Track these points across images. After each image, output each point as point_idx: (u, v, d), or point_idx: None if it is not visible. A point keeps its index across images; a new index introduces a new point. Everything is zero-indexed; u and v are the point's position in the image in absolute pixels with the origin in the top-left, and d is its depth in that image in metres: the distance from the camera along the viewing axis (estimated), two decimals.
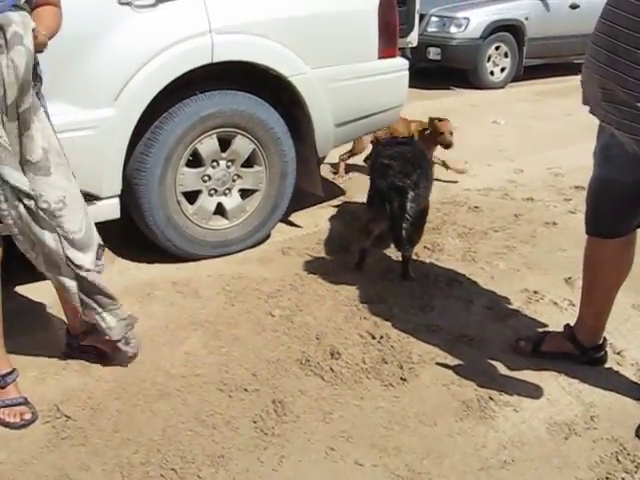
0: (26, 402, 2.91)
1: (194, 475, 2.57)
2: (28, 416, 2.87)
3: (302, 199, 4.83)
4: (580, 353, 3.23)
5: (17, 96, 2.56)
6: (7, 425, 2.84)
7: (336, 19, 4.28)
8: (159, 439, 2.74)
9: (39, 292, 3.61)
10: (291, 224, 4.87)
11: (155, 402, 2.97)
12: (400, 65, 4.74)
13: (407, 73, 4.79)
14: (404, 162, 3.84)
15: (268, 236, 4.56)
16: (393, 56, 4.65)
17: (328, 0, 4.32)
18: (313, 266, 4.21)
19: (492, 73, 10.78)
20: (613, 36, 2.59)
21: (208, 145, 4.02)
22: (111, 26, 3.54)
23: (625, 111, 2.61)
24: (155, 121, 3.81)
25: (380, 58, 4.53)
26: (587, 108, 2.95)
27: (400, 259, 4.11)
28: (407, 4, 5.33)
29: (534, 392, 3.06)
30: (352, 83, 4.43)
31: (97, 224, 3.14)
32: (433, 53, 10.46)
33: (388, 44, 4.53)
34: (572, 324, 3.28)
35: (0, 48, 2.50)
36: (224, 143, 4.10)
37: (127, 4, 3.55)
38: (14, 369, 2.96)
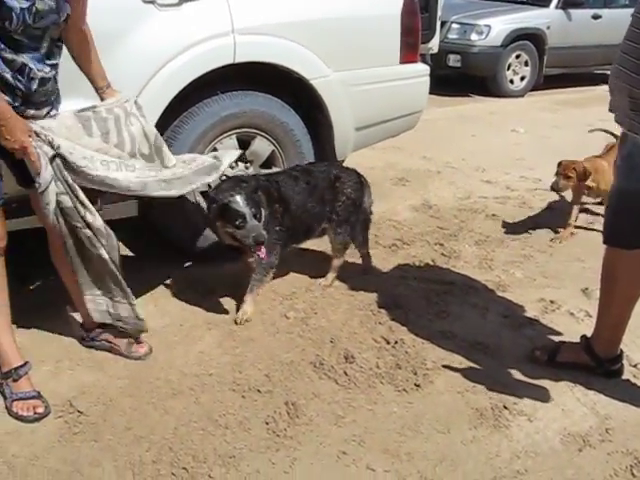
0: (39, 396, 2.92)
1: (205, 475, 2.56)
2: (41, 410, 2.87)
3: None
4: (596, 364, 3.21)
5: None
6: (20, 418, 2.84)
7: (359, 23, 4.27)
8: (171, 437, 2.74)
9: (54, 288, 3.61)
10: None
11: (168, 400, 2.97)
12: (421, 71, 4.73)
13: (428, 79, 4.78)
14: None
15: None
16: (414, 62, 4.64)
17: (351, 4, 4.31)
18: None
19: (512, 81, 10.76)
20: None
21: (227, 145, 4.01)
22: (135, 24, 3.54)
23: None
24: (175, 120, 3.81)
25: (402, 63, 4.52)
26: (608, 118, 2.92)
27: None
28: (429, 10, 5.30)
29: (549, 402, 3.04)
30: (373, 87, 4.42)
31: (114, 221, 3.16)
32: (453, 60, 10.43)
33: (410, 49, 4.52)
34: (588, 335, 3.26)
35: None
36: (243, 144, 4.10)
37: (151, 2, 3.55)
38: (26, 362, 2.97)
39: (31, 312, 3.47)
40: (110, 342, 3.25)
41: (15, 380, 2.92)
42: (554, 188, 4.85)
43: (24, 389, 2.92)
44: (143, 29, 3.56)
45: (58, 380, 3.08)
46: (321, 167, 4.00)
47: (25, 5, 2.56)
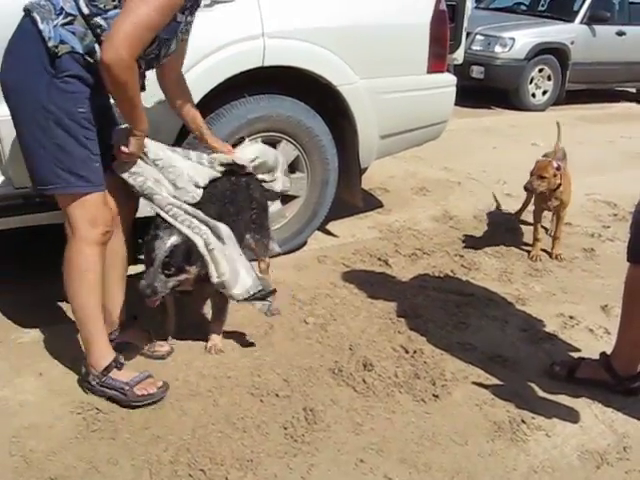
0: (150, 375, 3.00)
1: (222, 477, 2.56)
2: (160, 383, 2.99)
3: (340, 208, 4.82)
4: (615, 382, 3.19)
5: None
6: (152, 396, 2.92)
7: (388, 31, 4.27)
8: (189, 439, 2.74)
9: None
10: (328, 233, 4.88)
11: (186, 401, 2.97)
12: (448, 81, 4.74)
13: (454, 89, 4.79)
14: None
15: (304, 243, 4.56)
16: (442, 71, 4.64)
17: (381, 12, 4.30)
18: (348, 276, 4.21)
19: (534, 95, 10.75)
20: None
21: None
22: None
23: None
24: None
25: (429, 73, 4.53)
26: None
27: None
28: (456, 20, 5.29)
29: (567, 418, 3.02)
30: (400, 96, 4.42)
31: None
32: (476, 72, 10.42)
33: (437, 59, 4.52)
34: (608, 352, 3.24)
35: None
36: None
37: None
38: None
39: (49, 309, 3.48)
40: (131, 342, 3.26)
41: (119, 369, 2.96)
42: (528, 189, 4.59)
43: (134, 373, 2.97)
44: None
45: (76, 377, 3.07)
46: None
47: (166, 36, 2.77)
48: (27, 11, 2.63)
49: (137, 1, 2.53)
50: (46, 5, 2.61)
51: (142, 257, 3.05)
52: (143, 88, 2.87)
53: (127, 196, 3.04)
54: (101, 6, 2.64)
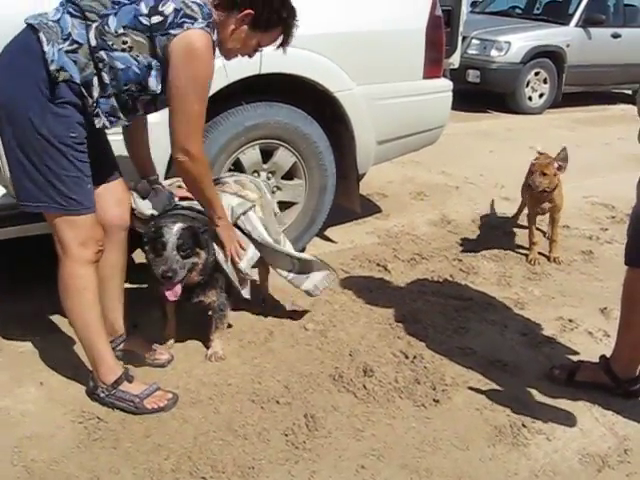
0: (159, 387, 3.02)
1: None
2: (170, 395, 3.00)
3: (338, 214, 4.83)
4: (615, 385, 3.19)
5: None
6: (162, 409, 2.94)
7: (384, 37, 4.29)
8: (190, 447, 2.74)
9: None
10: (326, 239, 4.89)
11: (187, 409, 2.98)
12: (444, 86, 4.75)
13: (451, 94, 4.80)
14: None
15: (303, 250, 4.55)
16: (438, 76, 4.66)
17: (377, 18, 4.31)
18: (347, 282, 4.22)
19: (530, 98, 10.76)
20: None
21: (250, 155, 4.05)
22: None
23: None
24: None
25: (425, 78, 4.54)
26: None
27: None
28: (451, 25, 5.30)
29: (567, 421, 3.03)
30: (396, 102, 4.43)
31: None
32: (472, 75, 10.41)
33: (433, 65, 4.53)
34: (607, 355, 3.25)
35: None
36: (266, 154, 4.12)
37: None
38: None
39: (48, 319, 3.48)
40: (132, 351, 3.26)
41: (130, 381, 2.97)
42: (530, 185, 4.53)
43: (144, 386, 2.98)
44: None
45: (77, 386, 3.08)
46: None
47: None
48: (31, 28, 2.59)
49: (179, 101, 2.68)
50: (54, 27, 2.58)
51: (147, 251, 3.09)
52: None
53: (118, 206, 3.05)
54: (109, 43, 2.62)
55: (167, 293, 3.02)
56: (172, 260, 2.98)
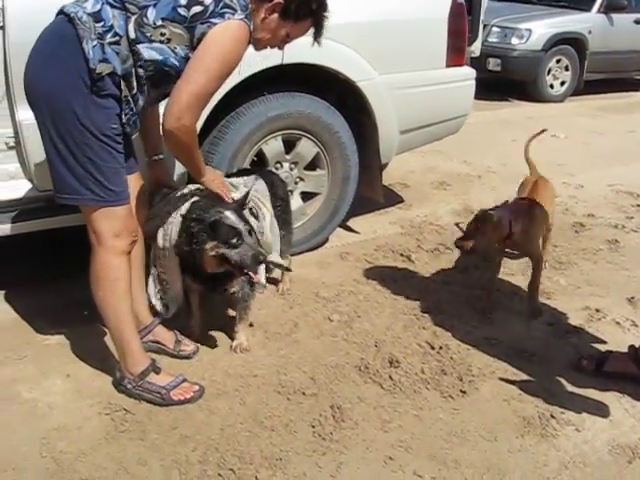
0: (185, 379, 3.01)
1: (252, 476, 2.55)
2: (197, 387, 3.00)
3: (361, 205, 4.81)
4: None
5: None
6: (189, 401, 2.94)
7: (406, 26, 4.26)
8: (217, 438, 2.74)
9: None
10: (349, 229, 4.87)
11: (213, 401, 2.97)
12: (467, 74, 4.71)
13: (474, 83, 4.75)
14: None
15: (326, 240, 4.55)
16: (460, 65, 4.62)
17: (399, 6, 4.28)
18: (371, 273, 4.20)
19: (552, 86, 10.68)
20: None
21: (273, 146, 4.03)
22: None
23: None
24: (222, 120, 3.82)
25: (448, 67, 4.50)
26: None
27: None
28: (473, 13, 5.25)
29: (596, 412, 3.00)
30: (419, 91, 4.40)
31: None
32: (493, 64, 10.33)
33: (456, 53, 4.50)
34: (636, 345, 3.22)
35: None
36: (288, 145, 4.11)
37: None
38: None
39: (74, 311, 3.48)
40: (157, 342, 3.26)
41: (157, 373, 2.98)
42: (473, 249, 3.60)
43: (171, 378, 2.98)
44: None
45: (104, 378, 3.08)
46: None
47: None
48: (68, 17, 2.59)
49: (198, 71, 2.62)
50: (87, 22, 2.57)
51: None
52: None
53: (143, 203, 3.09)
54: (148, 35, 2.63)
55: (256, 277, 3.12)
56: (256, 244, 3.01)
